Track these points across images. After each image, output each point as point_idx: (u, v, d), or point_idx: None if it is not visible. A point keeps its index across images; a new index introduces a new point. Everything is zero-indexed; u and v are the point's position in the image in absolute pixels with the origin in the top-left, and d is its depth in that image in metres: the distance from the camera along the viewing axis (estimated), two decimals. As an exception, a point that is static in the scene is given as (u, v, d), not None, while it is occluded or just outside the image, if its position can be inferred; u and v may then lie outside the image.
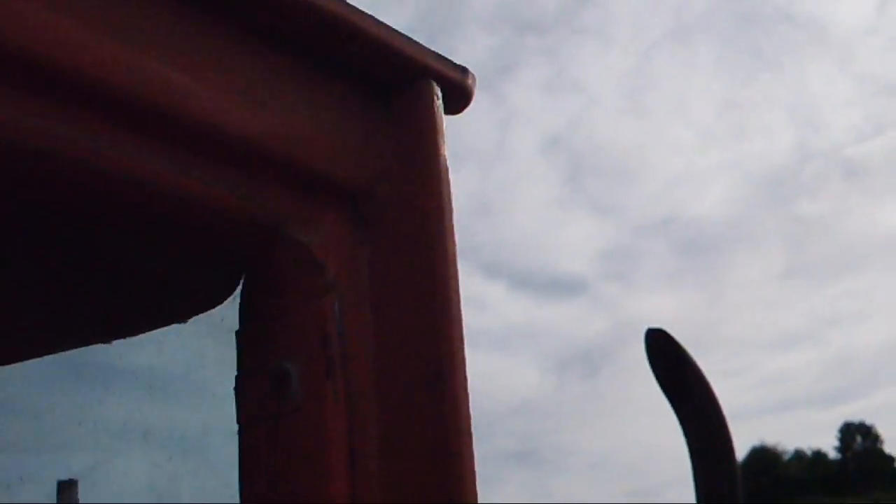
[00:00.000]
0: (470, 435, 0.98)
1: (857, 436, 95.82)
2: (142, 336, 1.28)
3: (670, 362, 1.56)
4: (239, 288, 1.07)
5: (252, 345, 1.03)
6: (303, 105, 1.01)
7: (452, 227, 1.04)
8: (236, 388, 1.03)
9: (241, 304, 1.06)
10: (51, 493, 1.48)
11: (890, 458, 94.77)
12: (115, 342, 1.29)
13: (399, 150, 1.06)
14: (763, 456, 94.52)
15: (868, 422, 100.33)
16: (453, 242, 1.04)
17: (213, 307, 1.15)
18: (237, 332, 1.06)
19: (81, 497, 1.49)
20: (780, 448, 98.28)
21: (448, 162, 1.07)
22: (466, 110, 1.15)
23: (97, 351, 1.33)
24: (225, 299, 1.11)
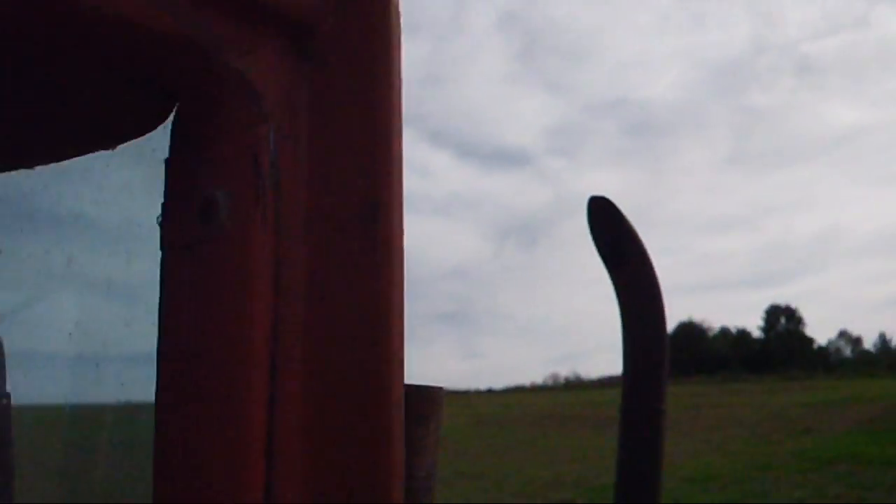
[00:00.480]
0: (401, 267, 0.98)
1: (781, 318, 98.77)
2: (67, 165, 1.24)
3: (610, 229, 1.57)
4: (172, 116, 1.03)
5: (181, 172, 1.00)
6: None
7: (399, 66, 1.02)
8: (162, 215, 1.00)
9: (172, 131, 1.03)
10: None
11: (810, 339, 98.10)
12: (38, 168, 1.26)
13: None
14: (690, 331, 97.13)
15: (793, 305, 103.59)
16: (399, 81, 1.02)
17: (144, 134, 1.11)
18: (166, 161, 1.02)
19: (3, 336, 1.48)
20: (706, 325, 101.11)
21: (400, 3, 1.03)
22: None
23: (18, 182, 1.29)
24: (156, 126, 1.07)
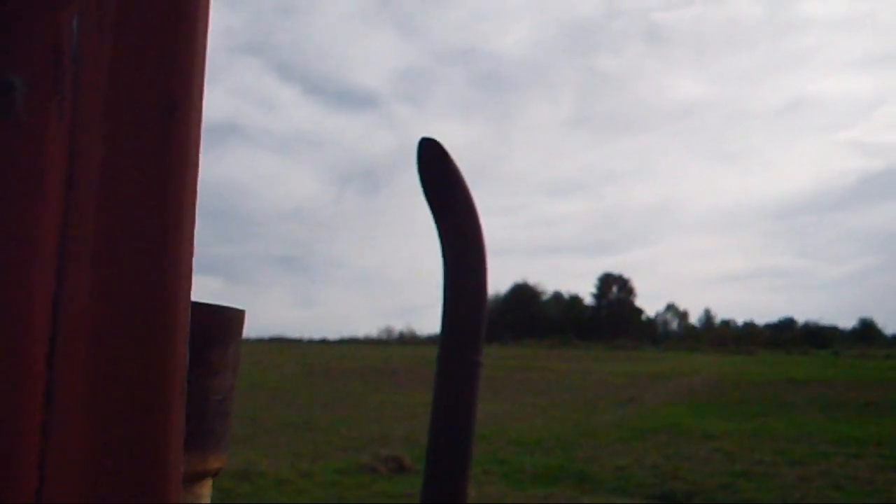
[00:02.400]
0: (196, 170, 0.96)
1: (613, 286, 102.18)
2: None
3: (439, 173, 1.56)
4: None
5: None
6: None
7: None
8: None
9: None
10: None
11: (639, 310, 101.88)
12: None
13: None
14: (523, 293, 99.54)
15: (626, 275, 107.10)
16: None
17: None
18: None
19: None
20: (540, 288, 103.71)
21: None
22: None
23: None
24: None
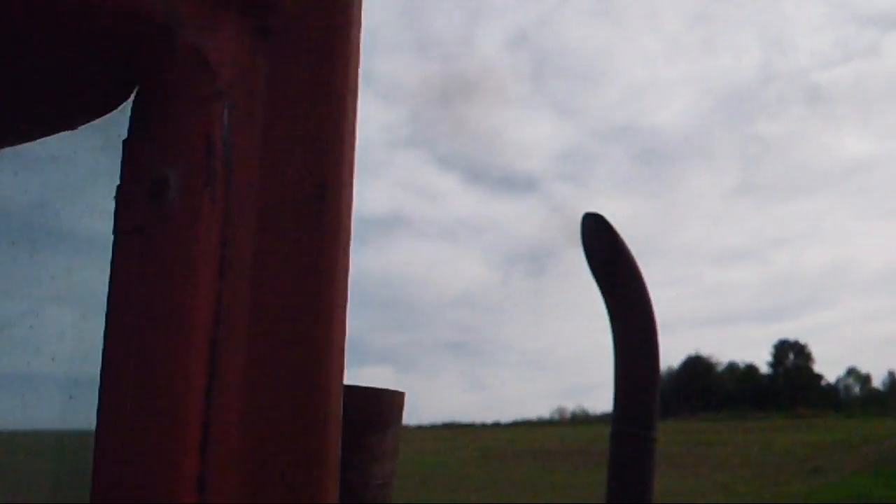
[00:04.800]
0: (347, 251, 0.97)
1: (790, 353, 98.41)
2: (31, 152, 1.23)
3: (604, 246, 1.53)
4: (133, 97, 1.02)
5: (137, 153, 0.98)
6: None
7: (358, 48, 1.03)
8: (116, 199, 0.98)
9: (131, 112, 1.01)
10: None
11: (818, 376, 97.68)
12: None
13: None
14: (697, 365, 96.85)
15: (802, 341, 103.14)
16: (357, 62, 1.02)
17: (104, 114, 1.09)
18: (124, 142, 1.00)
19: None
20: (714, 360, 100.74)
21: None
22: None
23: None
24: (116, 107, 1.06)
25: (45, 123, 1.17)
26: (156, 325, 0.91)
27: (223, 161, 0.93)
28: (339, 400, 0.95)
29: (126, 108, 1.02)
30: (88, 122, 1.14)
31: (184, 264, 0.91)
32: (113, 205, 0.98)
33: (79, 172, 1.27)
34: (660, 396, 1.57)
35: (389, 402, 1.09)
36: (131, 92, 1.02)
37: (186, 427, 0.88)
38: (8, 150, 1.24)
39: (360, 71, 1.03)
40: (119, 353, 0.94)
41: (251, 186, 0.95)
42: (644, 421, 1.52)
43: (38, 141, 1.21)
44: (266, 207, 0.95)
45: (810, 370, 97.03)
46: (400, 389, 1.10)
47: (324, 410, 0.93)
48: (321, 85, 0.99)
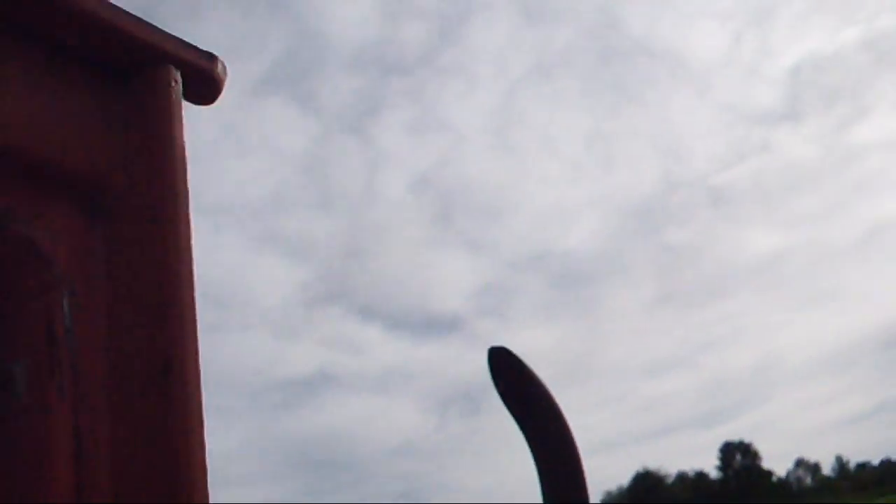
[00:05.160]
0: (201, 423, 0.97)
1: (736, 454, 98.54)
2: None
3: (513, 379, 1.54)
4: None
5: None
6: (26, 90, 0.96)
7: (188, 216, 1.03)
8: None
9: None
10: None
11: (768, 472, 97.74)
12: None
13: (134, 139, 1.03)
14: (647, 480, 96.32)
15: (746, 440, 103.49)
16: (188, 232, 1.02)
17: None
18: None
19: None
20: (662, 471, 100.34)
21: (186, 151, 1.05)
22: (218, 100, 1.13)
23: None
24: None
25: None
26: None
27: (67, 349, 0.93)
28: None
29: None
30: None
31: (38, 457, 0.90)
32: None
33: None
34: None
35: None
36: None
37: None
38: None
39: (192, 239, 1.03)
40: None
41: (98, 371, 0.95)
42: None
43: None
44: (115, 390, 0.95)
45: (759, 468, 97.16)
46: None
47: None
48: (158, 260, 0.99)
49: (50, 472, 0.89)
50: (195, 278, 1.02)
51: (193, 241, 1.03)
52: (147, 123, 1.03)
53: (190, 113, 1.10)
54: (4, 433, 0.91)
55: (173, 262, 1.00)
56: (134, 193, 1.01)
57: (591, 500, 1.50)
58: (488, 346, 1.57)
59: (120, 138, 1.02)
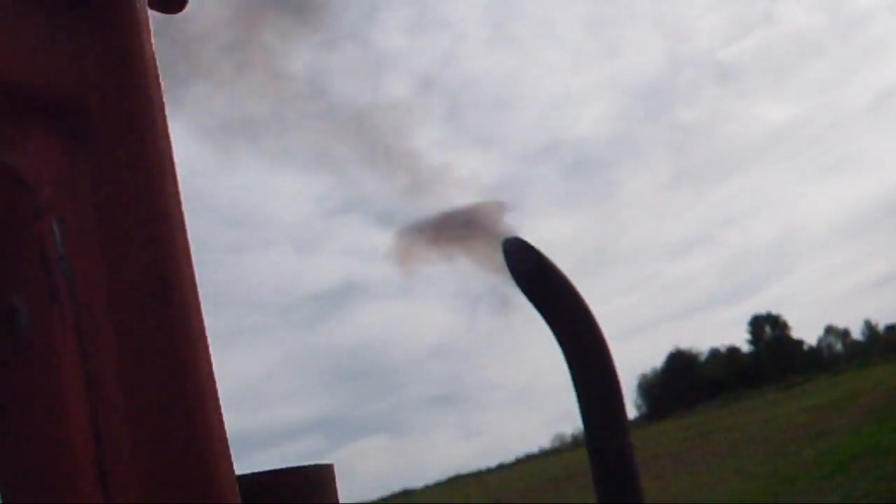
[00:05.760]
0: (204, 339, 0.97)
1: (766, 327, 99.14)
2: None
3: (530, 266, 1.55)
4: None
5: None
6: None
7: (166, 129, 1.01)
8: None
9: None
10: None
11: (799, 342, 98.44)
12: None
13: (103, 55, 1.00)
14: (680, 360, 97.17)
15: (774, 312, 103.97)
16: (168, 146, 1.01)
17: None
18: None
19: None
20: (695, 350, 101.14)
21: (157, 60, 1.03)
22: (185, 9, 1.10)
23: None
24: None
25: None
26: (41, 458, 0.89)
27: (63, 275, 0.92)
28: (233, 490, 0.95)
29: None
30: None
31: (50, 388, 0.90)
32: None
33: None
34: (624, 401, 1.60)
35: (313, 478, 1.06)
36: None
37: None
38: None
39: (175, 157, 1.02)
40: (13, 496, 0.91)
41: (97, 294, 0.94)
42: (617, 431, 1.49)
43: None
44: (116, 312, 0.94)
45: (790, 338, 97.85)
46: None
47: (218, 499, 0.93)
48: (142, 179, 0.98)
49: (63, 404, 0.89)
50: (180, 190, 1.00)
51: (175, 153, 1.01)
52: (113, 37, 1.00)
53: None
54: (16, 367, 0.91)
55: (157, 177, 0.98)
56: (109, 111, 0.98)
57: (623, 383, 1.51)
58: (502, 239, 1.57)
59: (87, 55, 0.99)
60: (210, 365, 0.97)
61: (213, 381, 0.97)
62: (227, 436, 0.96)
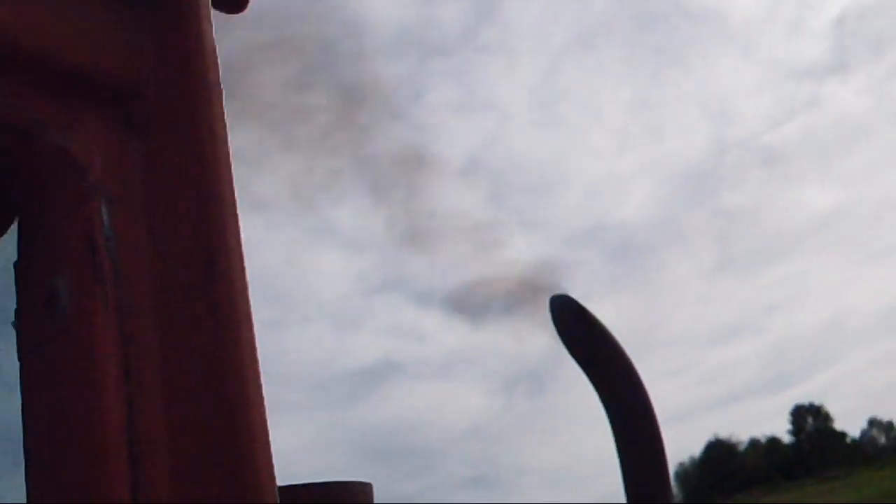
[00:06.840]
0: (250, 320, 0.94)
1: (808, 417, 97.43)
2: None
3: (576, 324, 1.51)
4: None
5: (27, 271, 0.98)
6: (55, 0, 0.96)
7: (223, 120, 1.01)
8: (15, 324, 0.97)
9: (17, 233, 1.00)
10: None
11: (841, 434, 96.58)
12: None
13: (166, 48, 1.02)
14: (719, 449, 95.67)
15: (817, 402, 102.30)
16: (225, 135, 1.00)
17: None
18: (14, 265, 0.99)
19: None
20: (734, 439, 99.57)
21: (218, 59, 1.04)
22: (246, 10, 1.13)
23: None
24: (1, 234, 1.05)
25: None
26: (73, 437, 0.89)
27: (109, 257, 0.92)
28: (272, 493, 0.91)
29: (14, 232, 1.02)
30: None
31: (88, 370, 0.88)
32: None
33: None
34: (670, 471, 1.50)
35: (352, 494, 1.05)
36: (13, 217, 1.01)
37: None
38: None
39: (230, 141, 1.01)
40: (40, 481, 0.91)
41: (142, 277, 0.93)
42: (659, 486, 1.43)
43: None
44: (161, 295, 0.93)
45: (832, 429, 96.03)
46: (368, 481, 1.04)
47: (256, 489, 0.89)
48: (195, 164, 0.98)
49: (100, 388, 0.88)
50: (233, 176, 1.00)
51: (230, 143, 1.02)
52: (176, 32, 1.03)
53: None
54: (55, 349, 0.91)
55: (213, 164, 0.98)
56: (166, 100, 1.00)
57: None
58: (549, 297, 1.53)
59: (149, 47, 1.02)
60: (254, 348, 0.94)
61: (258, 373, 0.94)
62: (270, 436, 0.93)
